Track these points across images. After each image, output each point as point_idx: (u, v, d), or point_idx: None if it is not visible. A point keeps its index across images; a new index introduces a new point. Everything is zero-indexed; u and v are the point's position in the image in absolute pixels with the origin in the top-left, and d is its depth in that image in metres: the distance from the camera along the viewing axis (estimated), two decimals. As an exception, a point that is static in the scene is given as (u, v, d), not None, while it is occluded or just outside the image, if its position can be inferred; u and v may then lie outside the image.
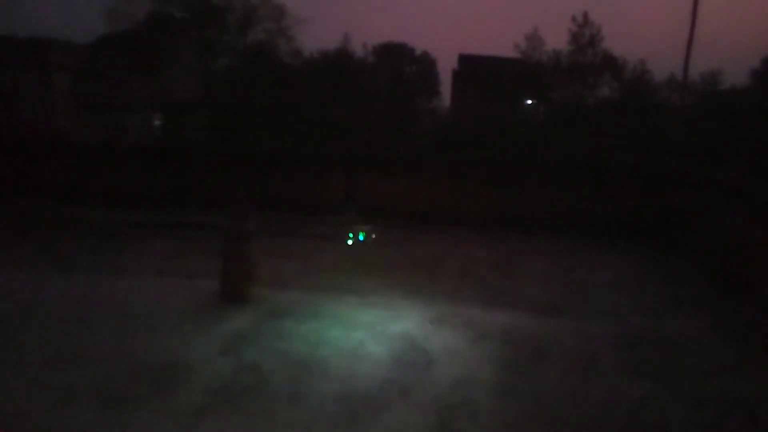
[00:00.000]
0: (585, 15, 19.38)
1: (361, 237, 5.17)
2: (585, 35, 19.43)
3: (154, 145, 15.58)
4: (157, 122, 20.04)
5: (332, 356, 4.06)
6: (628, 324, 5.01)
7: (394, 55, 25.52)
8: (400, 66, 23.45)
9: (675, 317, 5.27)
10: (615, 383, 3.81)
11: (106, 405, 3.18)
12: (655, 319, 5.20)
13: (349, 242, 5.08)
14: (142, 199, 10.58)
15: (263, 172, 10.46)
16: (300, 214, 9.78)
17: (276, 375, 3.72)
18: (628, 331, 4.80)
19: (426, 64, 27.50)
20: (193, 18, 20.28)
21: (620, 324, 4.99)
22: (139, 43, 20.56)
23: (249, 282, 5.23)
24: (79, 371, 3.55)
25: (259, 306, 5.03)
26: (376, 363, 3.97)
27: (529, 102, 21.49)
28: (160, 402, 3.26)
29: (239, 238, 5.15)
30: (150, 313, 4.70)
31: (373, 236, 5.27)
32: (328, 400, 3.41)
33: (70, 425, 2.98)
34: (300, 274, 6.28)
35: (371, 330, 4.57)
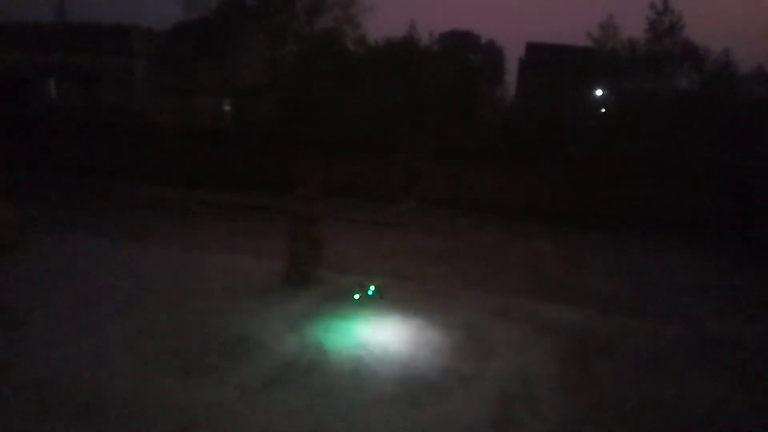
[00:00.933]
0: (665, 1, 18.32)
1: (369, 292, 4.84)
2: (664, 23, 18.37)
3: (223, 129, 16.16)
4: (227, 107, 20.71)
5: (392, 340, 4.11)
6: (704, 327, 4.77)
7: (459, 43, 25.12)
8: (465, 54, 23.06)
9: (757, 322, 4.96)
10: (688, 386, 3.65)
11: (185, 372, 3.37)
12: (734, 323, 4.92)
13: (356, 297, 4.82)
14: (213, 180, 11.02)
15: (327, 158, 10.63)
16: (362, 201, 9.89)
17: (338, 354, 3.81)
18: (705, 334, 4.57)
19: (491, 52, 26.90)
20: (263, 5, 20.74)
21: (696, 326, 4.75)
22: (212, 30, 21.29)
23: (314, 264, 5.35)
24: (161, 340, 3.77)
25: (323, 287, 5.15)
26: (435, 350, 3.98)
27: (600, 92, 20.64)
28: (232, 372, 3.43)
29: (306, 220, 5.27)
30: (221, 289, 4.91)
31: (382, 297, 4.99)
32: (388, 382, 3.47)
33: (155, 387, 3.18)
34: (361, 259, 6.36)
35: (431, 317, 4.58)
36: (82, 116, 16.60)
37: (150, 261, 5.69)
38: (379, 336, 4.15)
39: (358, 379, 3.48)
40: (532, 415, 3.20)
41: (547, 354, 4.04)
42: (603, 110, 19.49)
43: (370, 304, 4.60)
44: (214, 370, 3.42)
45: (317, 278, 5.33)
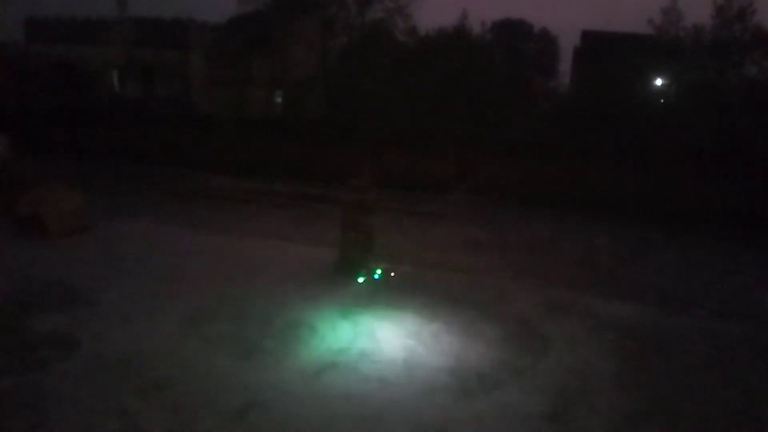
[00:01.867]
0: (734, -15, 17.32)
1: (375, 276, 4.60)
2: (733, 8, 17.39)
3: (275, 119, 16.48)
4: (278, 99, 21.07)
5: (443, 331, 4.10)
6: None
7: (512, 32, 24.58)
8: (518, 43, 22.57)
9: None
10: (753, 389, 3.48)
11: (241, 354, 3.48)
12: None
13: (360, 280, 4.66)
14: (265, 169, 11.28)
15: (377, 148, 10.67)
16: (412, 192, 9.89)
17: (390, 343, 3.84)
18: (770, 335, 4.35)
19: (545, 41, 26.20)
20: (314, -2, 20.93)
21: (759, 326, 4.52)
22: (264, 24, 21.72)
23: (366, 253, 5.40)
24: (222, 323, 3.92)
25: (375, 277, 5.19)
26: (488, 342, 3.95)
27: (660, 81, 19.78)
28: (287, 356, 3.52)
29: (359, 210, 5.32)
30: (276, 275, 5.04)
31: (392, 274, 4.82)
32: (440, 373, 3.47)
33: (218, 367, 3.31)
34: (412, 250, 6.38)
35: (483, 309, 4.55)
36: (141, 107, 17.31)
37: (208, 247, 5.90)
38: (430, 326, 4.16)
39: (409, 368, 3.50)
40: (588, 410, 3.13)
41: (602, 349, 3.94)
42: (662, 100, 18.67)
43: (383, 289, 4.58)
44: (271, 353, 3.53)
45: (369, 268, 5.38)
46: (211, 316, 4.03)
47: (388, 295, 4.74)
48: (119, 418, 2.75)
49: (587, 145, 10.27)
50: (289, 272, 5.17)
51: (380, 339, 3.89)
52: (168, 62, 21.25)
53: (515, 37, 24.33)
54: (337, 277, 5.12)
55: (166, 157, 12.19)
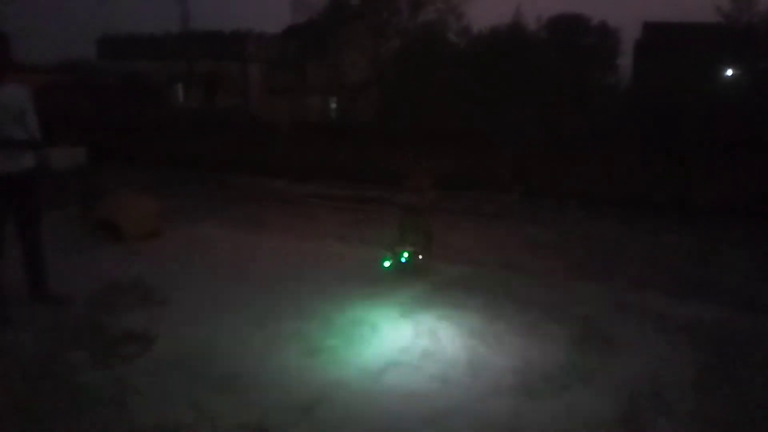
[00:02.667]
0: (814, -35, 16.14)
1: (402, 259, 4.24)
2: (812, -11, 16.24)
3: (330, 125, 16.76)
4: (333, 104, 21.44)
5: (507, 331, 4.04)
6: None
7: (568, 27, 23.94)
8: (575, 38, 21.95)
9: None
10: None
11: (306, 352, 3.56)
12: None
13: (386, 264, 4.28)
14: (322, 173, 11.49)
15: (431, 149, 10.65)
16: (468, 192, 9.81)
17: (452, 342, 3.82)
18: None
19: (604, 34, 25.35)
20: (367, 3, 21.19)
21: None
22: (318, 32, 22.19)
23: (425, 253, 5.40)
24: (286, 322, 4.02)
25: (433, 277, 5.18)
26: (553, 343, 3.86)
27: (730, 72, 18.70)
28: (350, 354, 3.57)
29: (416, 210, 5.34)
30: (336, 276, 5.12)
31: (420, 257, 4.48)
32: (505, 373, 3.41)
33: (284, 364, 3.40)
34: (471, 250, 6.32)
35: (546, 310, 4.45)
36: (204, 117, 18.03)
37: (271, 249, 6.08)
38: (492, 327, 4.11)
39: (473, 368, 3.47)
40: (662, 414, 2.99)
41: (675, 352, 3.75)
42: (734, 91, 17.64)
43: (408, 273, 4.46)
44: (335, 351, 3.58)
45: (427, 268, 5.37)
46: (275, 314, 4.15)
47: (448, 295, 4.72)
48: (193, 411, 2.86)
49: (651, 141, 9.84)
50: (349, 273, 5.24)
51: (441, 338, 3.87)
52: (228, 73, 22.08)
53: (572, 32, 23.66)
54: (395, 278, 5.15)
55: (227, 164, 12.65)
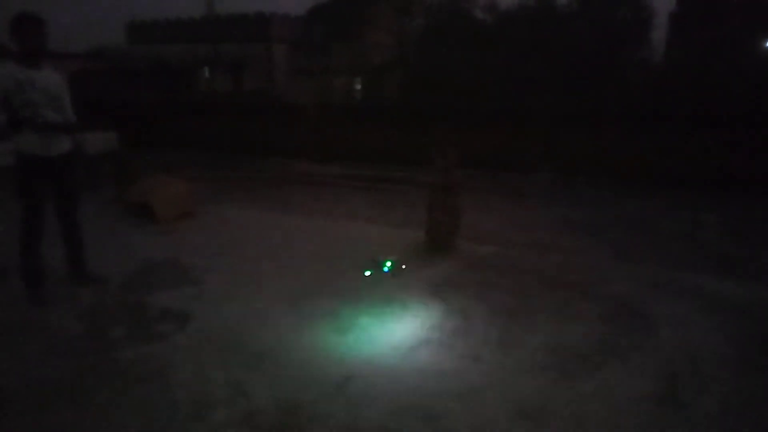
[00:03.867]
0: None
1: (385, 268, 4.15)
2: None
3: (356, 106, 16.69)
4: (358, 85, 21.31)
5: (539, 310, 4.00)
6: None
7: (599, 0, 23.15)
8: (607, 12, 21.22)
9: None
10: None
11: (339, 330, 3.59)
12: None
13: (367, 273, 4.17)
14: (348, 154, 11.50)
15: (458, 128, 10.52)
16: (496, 171, 9.70)
17: (482, 321, 3.80)
18: None
19: (637, 7, 24.45)
20: (391, -19, 20.85)
21: None
22: (343, 12, 21.99)
23: (452, 233, 5.37)
24: (318, 300, 4.06)
25: (462, 257, 5.16)
26: (587, 322, 3.81)
27: (773, 43, 17.85)
28: (383, 331, 3.59)
29: (445, 189, 5.29)
30: (365, 255, 5.12)
31: (403, 267, 4.30)
32: (537, 352, 3.39)
33: (317, 342, 3.44)
34: (501, 229, 6.27)
35: (579, 289, 4.39)
36: (230, 100, 18.15)
37: (300, 229, 6.13)
38: (524, 306, 4.07)
39: (504, 346, 3.45)
40: (701, 393, 2.93)
41: (714, 330, 3.66)
42: (775, 64, 16.86)
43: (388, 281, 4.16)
44: (367, 329, 3.61)
45: (456, 247, 5.35)
46: (307, 293, 4.19)
47: (478, 275, 4.69)
48: (229, 387, 2.93)
49: (687, 117, 9.53)
50: (378, 253, 5.24)
51: (472, 317, 3.86)
52: (253, 55, 22.12)
53: (604, 5, 22.84)
54: (424, 258, 5.14)
55: (254, 146, 12.76)
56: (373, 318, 3.77)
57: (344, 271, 4.72)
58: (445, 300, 4.14)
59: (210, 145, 13.35)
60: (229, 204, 7.37)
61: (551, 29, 14.80)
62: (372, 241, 5.67)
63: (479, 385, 2.99)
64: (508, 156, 10.15)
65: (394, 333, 3.59)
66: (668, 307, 4.01)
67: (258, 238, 5.79)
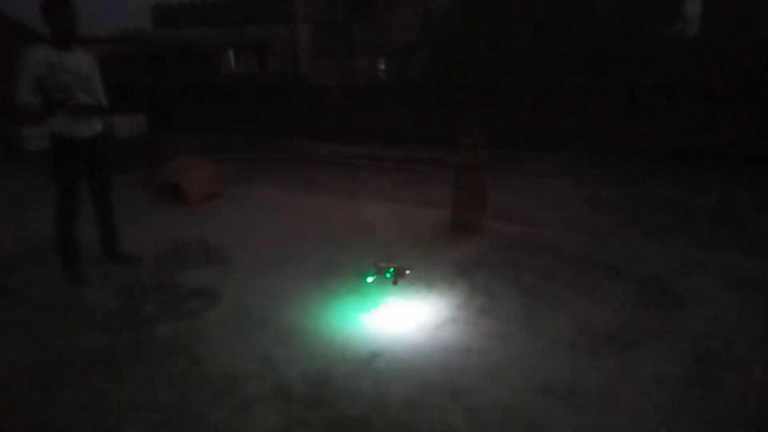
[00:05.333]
0: None
1: (387, 275, 3.92)
2: None
3: (380, 86, 16.58)
4: (381, 66, 21.13)
5: (566, 290, 3.96)
6: None
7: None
8: (638, -15, 20.54)
9: None
10: None
11: (363, 308, 3.63)
12: None
13: (369, 279, 3.90)
14: (373, 135, 11.47)
15: (484, 107, 10.38)
16: (523, 150, 9.56)
17: (509, 300, 3.79)
18: None
19: (670, -20, 23.59)
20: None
21: None
22: (366, -9, 21.72)
23: (478, 213, 5.34)
24: (344, 278, 4.12)
25: (488, 236, 5.14)
26: (616, 301, 3.76)
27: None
28: (407, 310, 3.61)
29: (471, 169, 5.25)
30: (390, 234, 5.17)
31: (407, 272, 4.03)
32: (565, 332, 3.37)
33: (340, 321, 3.49)
34: (528, 209, 6.20)
35: (609, 268, 4.33)
36: (254, 82, 18.18)
37: (326, 210, 6.18)
38: (551, 285, 4.04)
39: (530, 326, 3.44)
40: (733, 373, 2.88)
41: (748, 310, 3.59)
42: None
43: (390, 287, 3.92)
44: (398, 307, 3.63)
45: (482, 227, 5.32)
46: (334, 271, 4.24)
47: (504, 254, 4.67)
48: (259, 361, 2.99)
49: (721, 92, 9.21)
50: (404, 232, 5.26)
51: (498, 296, 3.85)
52: (277, 36, 22.08)
53: (635, -22, 22.08)
54: (449, 237, 5.13)
55: (279, 128, 12.83)
56: (399, 295, 3.79)
57: (370, 250, 4.74)
58: (472, 279, 4.13)
59: (235, 127, 13.46)
60: (257, 185, 7.46)
61: (580, 3, 14.36)
62: (397, 220, 5.68)
63: (505, 363, 2.99)
64: (536, 135, 9.99)
65: (420, 311, 3.60)
66: (699, 287, 3.93)
67: (285, 218, 5.85)
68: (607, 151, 9.07)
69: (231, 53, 22.81)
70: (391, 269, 3.95)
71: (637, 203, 6.42)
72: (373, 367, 2.93)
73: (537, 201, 6.61)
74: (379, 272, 3.94)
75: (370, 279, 3.93)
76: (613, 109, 9.52)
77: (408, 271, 4.03)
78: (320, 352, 3.09)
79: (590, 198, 6.63)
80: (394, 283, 3.85)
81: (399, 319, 3.49)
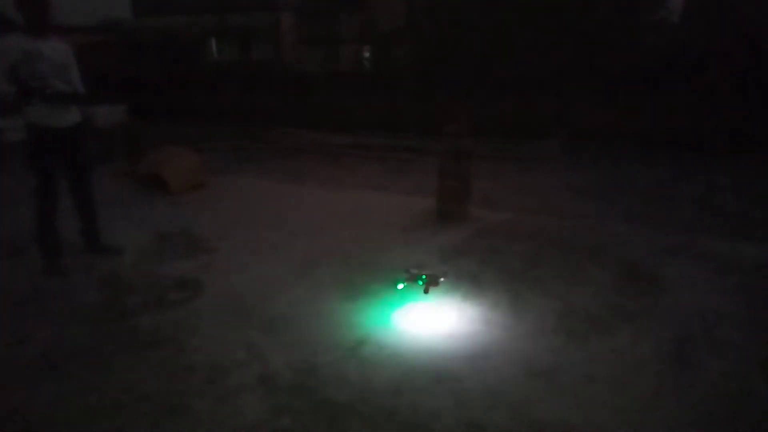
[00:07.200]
0: None
1: (419, 282, 3.73)
2: None
3: (364, 74, 16.48)
4: (366, 54, 20.98)
5: (549, 275, 4.00)
6: None
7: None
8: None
9: None
10: None
11: (348, 295, 3.63)
12: None
13: (400, 286, 3.72)
14: (357, 123, 11.42)
15: (469, 95, 10.38)
16: (507, 138, 9.59)
17: (493, 286, 3.82)
18: None
19: (653, -33, 23.69)
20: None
21: None
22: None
23: (464, 200, 5.36)
24: (330, 268, 4.10)
25: (473, 223, 5.16)
26: (598, 286, 3.81)
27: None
28: (393, 297, 3.62)
29: (456, 157, 5.25)
30: (376, 223, 5.16)
31: (442, 280, 3.81)
32: (547, 316, 3.40)
33: (328, 308, 3.49)
34: (512, 196, 6.24)
35: (591, 254, 4.38)
36: (237, 71, 17.94)
37: (312, 199, 6.15)
38: (534, 271, 4.08)
39: (514, 310, 3.47)
40: (713, 355, 2.94)
41: (727, 292, 3.66)
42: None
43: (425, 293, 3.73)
44: (378, 294, 3.64)
45: (467, 214, 5.34)
46: (319, 261, 4.23)
47: (489, 241, 4.70)
48: (245, 351, 2.98)
49: (704, 80, 9.30)
50: (389, 221, 5.26)
51: (482, 282, 3.87)
52: (260, 25, 21.79)
53: (618, -35, 22.13)
54: (435, 225, 5.15)
55: (263, 117, 12.71)
56: (384, 284, 3.80)
57: (355, 238, 4.75)
58: (456, 265, 4.15)
59: (219, 116, 13.32)
60: (240, 174, 7.40)
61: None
62: (383, 208, 5.68)
63: (490, 348, 3.02)
64: (520, 122, 10.03)
65: (404, 298, 3.61)
66: (680, 270, 4.00)
67: (270, 208, 5.82)
68: (591, 138, 9.14)
69: (213, 41, 22.48)
70: (424, 276, 3.77)
71: (620, 189, 6.49)
72: (358, 355, 2.94)
73: (521, 188, 6.65)
74: (411, 279, 3.76)
75: (400, 286, 3.72)
76: (596, 96, 9.57)
77: (442, 279, 3.81)
78: (305, 340, 3.10)
79: (573, 184, 6.69)
80: (426, 291, 3.66)
81: (384, 306, 3.50)
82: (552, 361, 2.89)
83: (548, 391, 2.64)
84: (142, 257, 4.43)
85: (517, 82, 10.53)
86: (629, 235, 4.78)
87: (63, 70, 3.87)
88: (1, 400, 2.56)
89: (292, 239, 4.78)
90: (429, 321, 3.32)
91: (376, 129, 11.09)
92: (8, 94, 3.61)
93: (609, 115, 9.37)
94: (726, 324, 3.25)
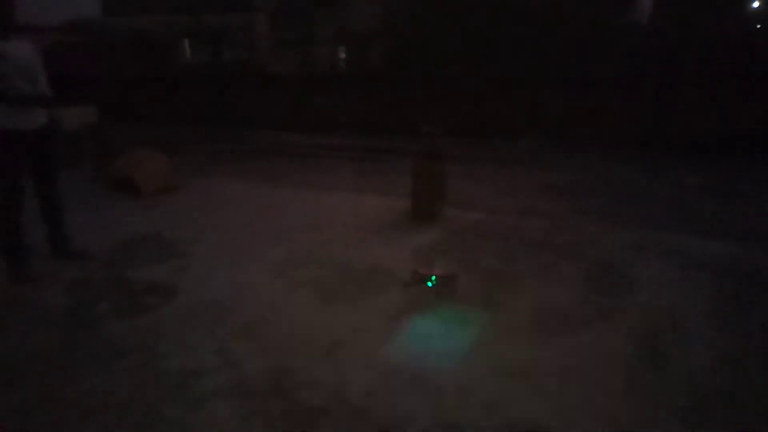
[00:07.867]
0: None
1: (429, 284, 3.65)
2: None
3: (339, 75, 16.45)
4: (342, 55, 20.93)
5: (523, 274, 4.05)
6: None
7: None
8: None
9: None
10: None
11: (324, 299, 3.61)
12: None
13: (406, 287, 3.67)
14: (332, 125, 11.38)
15: (443, 96, 10.44)
16: (481, 138, 9.67)
17: (469, 286, 3.83)
18: None
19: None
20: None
21: None
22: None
23: (438, 201, 5.38)
24: (304, 270, 4.08)
25: (448, 223, 5.19)
26: (571, 284, 3.86)
27: (756, 4, 17.77)
28: (368, 299, 3.61)
29: (430, 157, 5.27)
30: (351, 225, 5.15)
31: (452, 279, 3.72)
32: (521, 314, 3.44)
33: (303, 311, 3.45)
34: (486, 196, 6.28)
35: (564, 252, 4.44)
36: (211, 72, 17.75)
37: (286, 201, 6.11)
38: (508, 270, 4.12)
39: (489, 309, 3.49)
40: (681, 350, 3.01)
41: (695, 289, 3.74)
42: (759, 26, 16.83)
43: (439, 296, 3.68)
44: (352, 297, 3.63)
45: (442, 215, 5.37)
46: (294, 263, 4.20)
47: (464, 241, 4.72)
48: (218, 356, 2.94)
49: (673, 80, 9.52)
50: (365, 222, 5.26)
51: (459, 282, 3.88)
52: (234, 26, 21.58)
53: (589, -32, 22.52)
54: (410, 226, 5.16)
55: (237, 118, 12.59)
56: (359, 286, 3.79)
57: (330, 240, 4.73)
58: (431, 266, 4.16)
59: (192, 118, 13.14)
60: (213, 177, 7.31)
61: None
62: (359, 210, 5.67)
63: (465, 347, 3.03)
64: (494, 122, 10.12)
65: (379, 300, 3.61)
66: (651, 268, 4.08)
67: (243, 211, 5.76)
68: (563, 138, 9.27)
69: (186, 42, 22.17)
70: (434, 277, 3.63)
71: (592, 188, 6.59)
72: (333, 357, 2.92)
73: (495, 188, 6.70)
74: (417, 281, 3.62)
75: (407, 286, 3.60)
76: (568, 96, 9.72)
77: (453, 279, 3.67)
78: (280, 344, 3.07)
79: (546, 184, 6.77)
80: (437, 293, 3.52)
81: (359, 308, 3.49)
82: (525, 359, 2.92)
83: (523, 389, 2.66)
84: (112, 262, 4.33)
85: (492, 82, 10.63)
86: (602, 233, 4.86)
87: (28, 71, 3.77)
88: (-37, 412, 2.48)
89: (266, 242, 4.73)
90: (403, 321, 3.32)
91: (352, 130, 11.08)
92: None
93: (581, 115, 9.52)
94: (694, 320, 3.32)
